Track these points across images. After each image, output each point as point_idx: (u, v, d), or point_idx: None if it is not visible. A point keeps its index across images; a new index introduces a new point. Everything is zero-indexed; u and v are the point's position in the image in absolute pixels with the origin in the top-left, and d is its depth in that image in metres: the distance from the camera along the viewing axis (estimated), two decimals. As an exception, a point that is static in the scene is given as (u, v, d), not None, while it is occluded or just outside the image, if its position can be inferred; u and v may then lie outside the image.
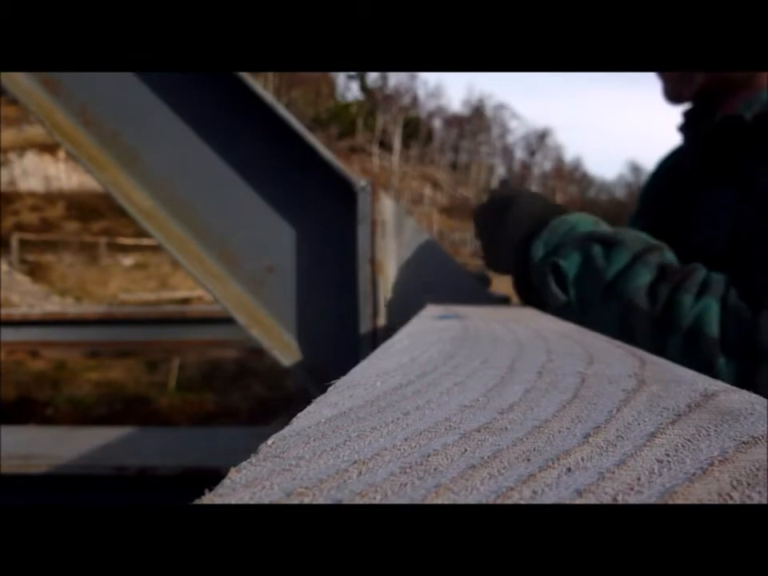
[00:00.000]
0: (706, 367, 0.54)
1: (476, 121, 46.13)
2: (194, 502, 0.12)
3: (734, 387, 0.22)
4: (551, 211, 0.69)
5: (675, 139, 0.84)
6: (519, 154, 48.13)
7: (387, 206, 0.85)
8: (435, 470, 0.14)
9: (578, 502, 0.12)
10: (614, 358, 0.29)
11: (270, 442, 0.16)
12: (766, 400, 0.20)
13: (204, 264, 0.87)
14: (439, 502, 0.12)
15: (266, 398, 4.64)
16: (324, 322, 0.87)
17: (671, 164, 0.85)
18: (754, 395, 0.21)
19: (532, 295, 0.71)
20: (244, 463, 0.14)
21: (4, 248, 12.47)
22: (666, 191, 0.82)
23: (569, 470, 0.14)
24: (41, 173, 19.74)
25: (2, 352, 2.97)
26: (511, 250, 0.70)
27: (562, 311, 0.65)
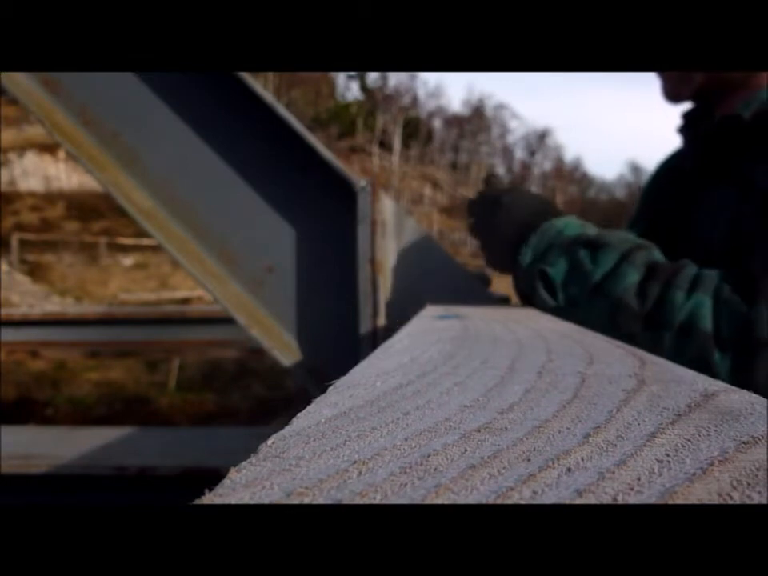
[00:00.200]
0: (700, 363, 0.53)
1: (476, 121, 46.13)
2: (194, 502, 0.12)
3: (733, 387, 0.22)
4: (539, 213, 0.69)
5: (675, 139, 0.84)
6: (519, 153, 48.15)
7: (387, 206, 0.85)
8: (435, 470, 0.14)
9: (578, 501, 0.12)
10: (614, 358, 0.29)
11: (270, 442, 0.16)
12: (765, 400, 0.20)
13: (204, 264, 0.87)
14: (439, 501, 0.12)
15: (266, 398, 4.64)
16: (324, 322, 0.87)
17: (671, 165, 0.85)
18: (754, 395, 0.21)
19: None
20: (244, 463, 0.14)
21: (4, 248, 12.47)
22: (666, 192, 0.82)
23: (569, 470, 0.14)
24: (41, 173, 19.74)
25: (2, 352, 2.97)
26: (503, 251, 0.71)
27: (551, 314, 0.65)
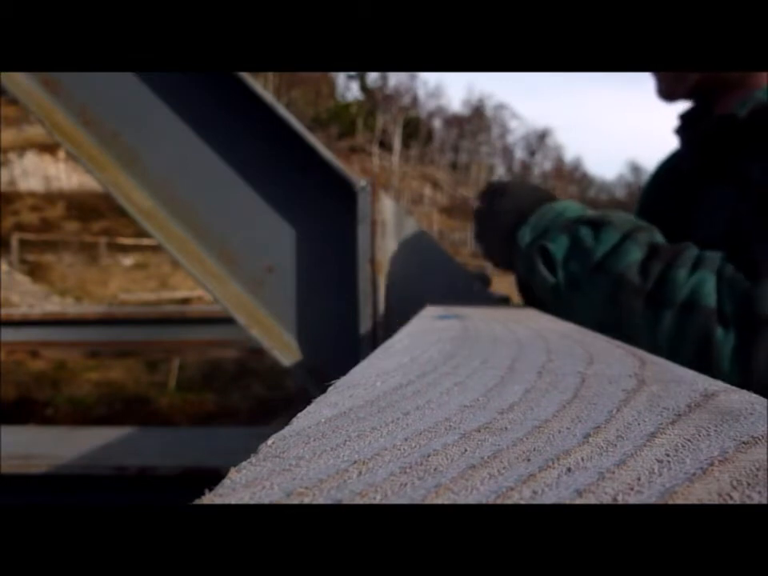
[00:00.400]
0: (702, 340, 0.53)
1: (476, 121, 46.13)
2: (194, 502, 0.12)
3: (733, 387, 0.22)
4: (539, 198, 0.70)
5: (675, 140, 0.84)
6: (519, 153, 48.14)
7: (387, 206, 0.85)
8: (435, 470, 0.14)
9: (578, 501, 0.12)
10: (614, 358, 0.29)
11: (270, 442, 0.16)
12: (765, 400, 0.20)
13: (204, 264, 0.87)
14: (439, 501, 0.12)
15: (266, 398, 4.64)
16: (324, 322, 0.87)
17: (670, 166, 0.85)
18: (754, 395, 0.21)
19: (532, 293, 0.71)
20: (244, 463, 0.14)
21: (4, 248, 12.47)
22: (664, 193, 0.82)
23: (569, 470, 0.14)
24: (41, 173, 19.74)
25: (2, 352, 2.97)
26: (503, 236, 0.70)
27: (549, 294, 0.64)
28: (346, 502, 0.12)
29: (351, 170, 0.85)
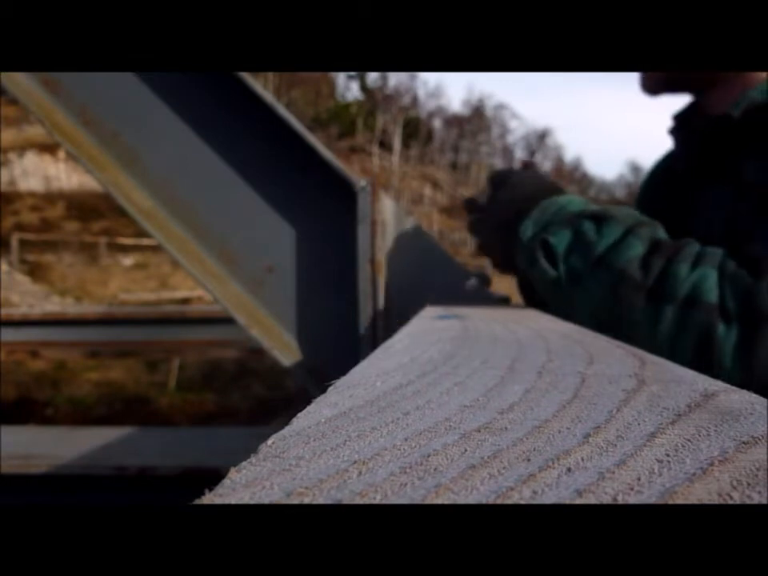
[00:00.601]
0: (703, 336, 0.53)
1: (476, 121, 46.13)
2: (194, 502, 0.12)
3: (733, 387, 0.22)
4: (541, 191, 0.69)
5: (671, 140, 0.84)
6: (519, 154, 48.12)
7: (387, 206, 0.85)
8: (435, 470, 0.14)
9: (578, 501, 0.12)
10: (614, 358, 0.29)
11: (270, 442, 0.16)
12: (765, 400, 0.20)
13: (204, 264, 0.87)
14: (439, 501, 0.12)
15: (266, 398, 4.64)
16: (324, 322, 0.87)
17: (665, 167, 0.85)
18: (754, 395, 0.21)
19: (532, 289, 0.71)
20: (244, 463, 0.14)
21: (4, 248, 12.47)
22: (660, 194, 0.82)
23: (569, 470, 0.14)
24: (41, 173, 19.74)
25: (2, 352, 2.97)
26: (505, 228, 0.70)
27: (550, 288, 0.64)
28: (346, 501, 0.12)
29: (351, 170, 0.85)
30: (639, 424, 0.17)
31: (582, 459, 0.14)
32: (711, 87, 0.74)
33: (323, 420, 0.18)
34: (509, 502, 0.12)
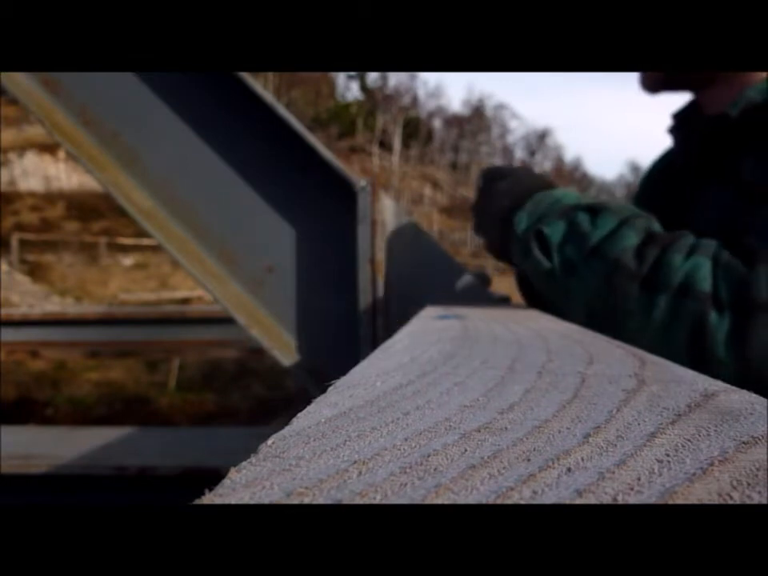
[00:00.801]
0: (696, 325, 0.53)
1: (476, 121, 46.13)
2: (194, 502, 0.12)
3: (733, 387, 0.22)
4: (536, 185, 0.69)
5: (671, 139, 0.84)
6: (519, 153, 48.12)
7: (387, 206, 0.85)
8: (435, 470, 0.14)
9: (578, 501, 0.12)
10: (614, 358, 0.29)
11: (270, 442, 0.16)
12: (765, 400, 0.20)
13: (204, 264, 0.87)
14: (439, 501, 0.12)
15: (266, 398, 4.64)
16: (324, 322, 0.87)
17: (663, 166, 0.85)
18: (754, 395, 0.21)
19: (532, 289, 0.71)
20: (244, 463, 0.14)
21: (4, 248, 12.47)
22: (658, 192, 0.82)
23: (569, 470, 0.14)
24: (41, 173, 19.74)
25: (2, 352, 2.97)
26: (499, 221, 0.70)
27: (544, 280, 0.64)
28: (346, 501, 0.12)
29: (351, 170, 0.85)
30: (639, 424, 0.17)
31: (582, 459, 0.14)
32: (710, 86, 0.74)
33: (323, 420, 0.18)
34: (509, 501, 0.12)
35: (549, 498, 0.12)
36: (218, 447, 1.56)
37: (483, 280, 0.89)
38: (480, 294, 0.87)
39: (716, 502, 0.12)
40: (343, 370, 0.25)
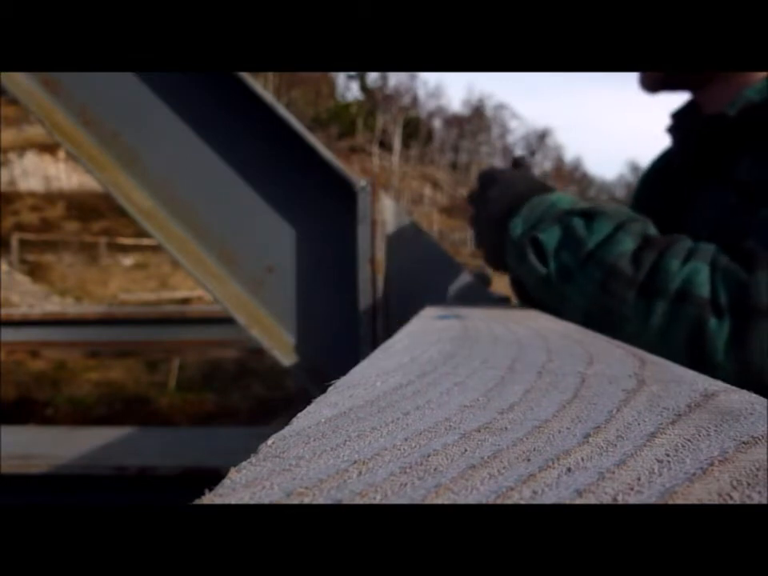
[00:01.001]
0: (694, 331, 0.52)
1: (476, 121, 46.14)
2: (194, 502, 0.12)
3: (733, 387, 0.22)
4: (531, 189, 0.69)
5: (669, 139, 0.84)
6: (519, 154, 48.03)
7: (387, 206, 0.85)
8: (435, 469, 0.14)
9: (578, 501, 0.12)
10: (614, 358, 0.29)
11: (270, 442, 0.16)
12: (765, 400, 0.20)
13: (204, 264, 0.87)
14: (439, 501, 0.12)
15: (266, 398, 4.64)
16: (324, 322, 0.87)
17: (661, 165, 0.85)
18: (754, 395, 0.21)
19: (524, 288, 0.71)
20: (244, 463, 0.14)
21: (4, 248, 12.47)
22: (657, 192, 0.82)
23: (569, 469, 0.14)
24: (41, 173, 19.74)
25: (2, 352, 2.97)
26: (494, 226, 0.69)
27: (540, 286, 0.64)
28: (346, 501, 0.12)
29: (351, 170, 0.85)
30: (639, 424, 0.17)
31: (582, 459, 0.14)
32: (708, 86, 0.74)
33: (323, 420, 0.18)
34: (509, 502, 0.12)
35: (549, 497, 0.12)
36: (218, 447, 1.56)
37: (483, 280, 0.89)
38: (480, 294, 0.87)
39: (716, 502, 0.12)
40: (343, 370, 0.25)
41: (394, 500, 0.12)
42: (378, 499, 0.12)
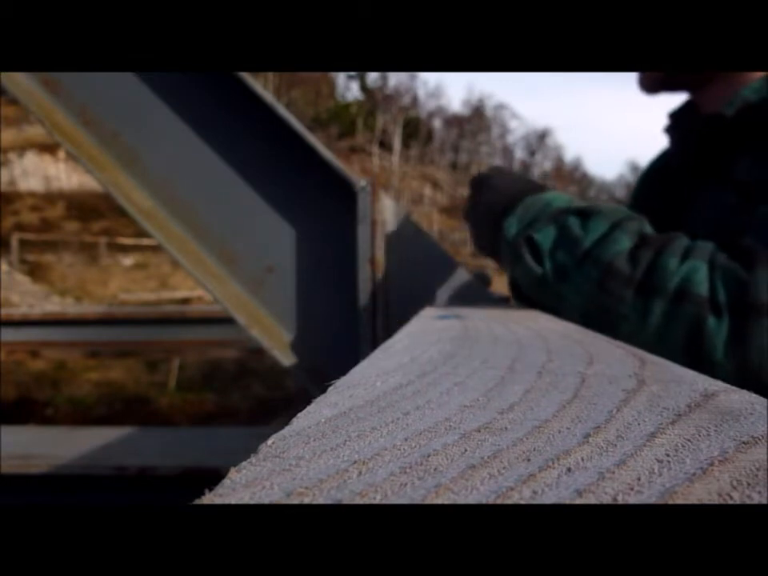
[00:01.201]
0: (693, 329, 0.52)
1: (476, 121, 46.13)
2: (194, 502, 0.12)
3: (734, 387, 0.22)
4: (526, 189, 0.69)
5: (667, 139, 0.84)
6: (519, 153, 48.12)
7: (387, 206, 0.85)
8: (435, 470, 0.14)
9: (578, 501, 0.12)
10: (614, 358, 0.29)
11: (270, 442, 0.16)
12: (765, 400, 0.20)
13: (204, 264, 0.87)
14: (439, 501, 0.12)
15: (266, 398, 4.65)
16: (324, 322, 0.87)
17: (660, 165, 0.86)
18: (754, 395, 0.21)
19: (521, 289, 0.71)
20: (244, 463, 0.14)
21: (4, 248, 12.47)
22: (655, 192, 0.82)
23: (569, 470, 0.14)
24: (41, 173, 19.74)
25: (2, 352, 2.97)
26: (489, 226, 0.69)
27: (536, 286, 0.64)
28: (346, 501, 0.12)
29: (351, 170, 0.85)
30: (639, 424, 0.17)
31: (582, 459, 0.14)
32: (707, 85, 0.74)
33: (323, 420, 0.18)
34: (509, 501, 0.12)
35: (549, 497, 0.12)
36: (218, 447, 1.56)
37: (483, 280, 0.89)
38: (480, 294, 0.87)
39: (716, 502, 0.12)
40: (343, 370, 0.25)
41: (394, 500, 0.12)
42: (377, 499, 0.12)
